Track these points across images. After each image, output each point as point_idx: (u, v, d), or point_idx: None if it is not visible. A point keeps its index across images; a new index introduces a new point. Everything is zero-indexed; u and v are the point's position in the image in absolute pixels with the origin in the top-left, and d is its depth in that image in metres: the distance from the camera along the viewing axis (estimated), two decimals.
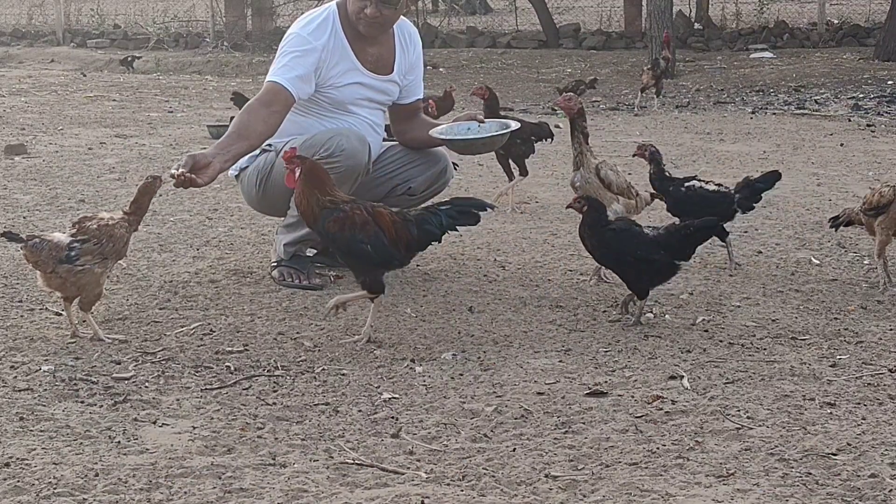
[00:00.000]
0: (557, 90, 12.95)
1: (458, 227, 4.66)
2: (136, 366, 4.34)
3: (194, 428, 3.75)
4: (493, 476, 3.39)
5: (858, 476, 3.36)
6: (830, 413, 3.86)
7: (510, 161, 7.34)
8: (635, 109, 12.80)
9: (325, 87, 5.42)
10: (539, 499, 3.26)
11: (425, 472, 3.42)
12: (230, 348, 4.56)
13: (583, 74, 16.19)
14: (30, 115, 12.32)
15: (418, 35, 5.80)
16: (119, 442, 3.62)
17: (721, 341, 4.64)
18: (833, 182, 8.15)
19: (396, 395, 4.05)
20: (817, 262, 5.92)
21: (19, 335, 4.66)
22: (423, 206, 4.84)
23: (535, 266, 5.83)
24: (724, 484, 3.33)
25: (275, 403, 3.98)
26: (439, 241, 4.68)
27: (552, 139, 7.56)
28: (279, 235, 5.55)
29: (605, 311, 5.05)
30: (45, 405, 3.92)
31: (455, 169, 6.01)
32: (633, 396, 4.02)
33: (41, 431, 3.70)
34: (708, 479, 3.37)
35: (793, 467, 3.43)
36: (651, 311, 5.02)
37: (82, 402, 3.96)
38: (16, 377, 4.19)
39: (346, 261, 4.77)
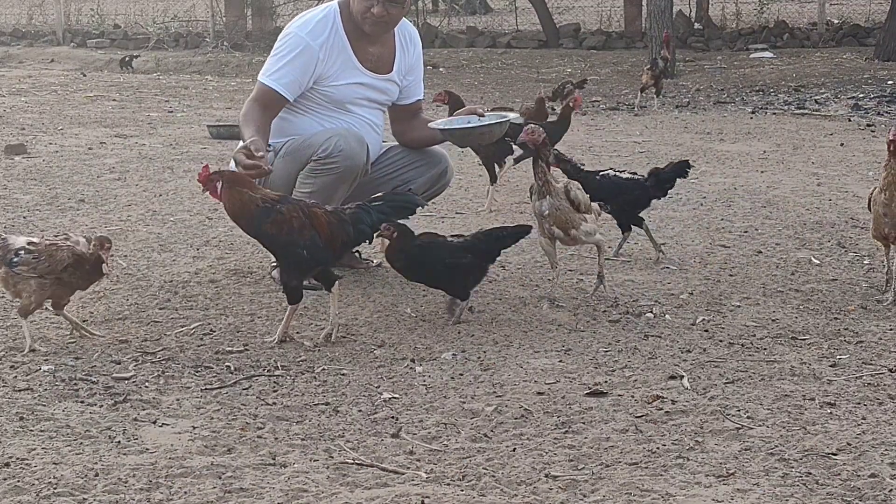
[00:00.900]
0: (549, 95, 12.94)
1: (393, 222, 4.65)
2: (136, 366, 4.34)
3: (194, 428, 3.75)
4: (493, 476, 3.39)
5: (858, 476, 3.36)
6: (830, 413, 3.86)
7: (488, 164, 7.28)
8: (635, 109, 12.80)
9: (324, 84, 5.41)
10: (539, 499, 3.26)
11: (425, 472, 3.42)
12: (230, 348, 4.56)
13: (583, 74, 16.19)
14: (30, 115, 12.32)
15: (418, 35, 5.80)
16: (119, 442, 3.62)
17: (721, 341, 4.64)
18: (833, 182, 8.15)
19: (396, 395, 4.05)
20: (817, 262, 5.92)
21: (19, 335, 4.66)
22: (356, 203, 4.72)
23: (535, 266, 5.83)
24: (724, 484, 3.33)
25: (275, 403, 3.98)
26: (370, 241, 4.70)
27: None
28: None
29: (605, 311, 5.05)
30: (45, 405, 3.92)
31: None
32: (633, 396, 4.02)
33: (41, 431, 3.70)
34: (708, 479, 3.37)
35: (793, 467, 3.43)
36: (651, 311, 5.02)
37: (82, 402, 3.96)
38: (16, 377, 4.19)
39: (278, 259, 4.73)
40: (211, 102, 14.01)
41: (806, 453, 3.53)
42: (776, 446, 3.58)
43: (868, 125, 11.27)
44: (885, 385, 4.13)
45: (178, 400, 4.00)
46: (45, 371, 4.25)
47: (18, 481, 3.31)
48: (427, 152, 5.71)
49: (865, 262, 5.90)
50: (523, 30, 20.74)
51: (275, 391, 4.10)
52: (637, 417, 3.82)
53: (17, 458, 3.47)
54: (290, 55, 5.34)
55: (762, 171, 8.65)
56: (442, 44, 20.17)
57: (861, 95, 13.48)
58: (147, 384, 4.15)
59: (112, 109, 13.02)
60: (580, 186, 5.16)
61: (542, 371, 4.29)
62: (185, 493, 3.27)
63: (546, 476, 3.39)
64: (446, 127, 5.53)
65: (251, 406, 3.95)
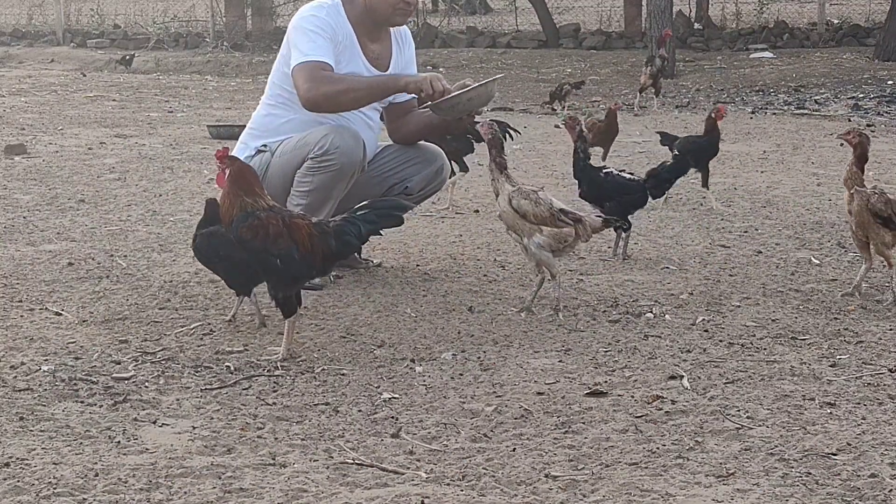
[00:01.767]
0: (546, 102, 12.96)
1: (380, 232, 4.51)
2: (136, 366, 4.34)
3: (194, 428, 3.75)
4: (493, 476, 3.39)
5: (858, 476, 3.36)
6: (830, 413, 3.86)
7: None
8: (635, 109, 12.80)
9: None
10: (539, 499, 3.26)
11: (425, 472, 3.42)
12: (230, 348, 4.56)
13: (583, 74, 16.21)
14: (30, 115, 12.32)
15: (411, 35, 5.82)
16: (119, 442, 3.62)
17: (721, 341, 4.64)
18: (833, 182, 8.15)
19: (396, 395, 4.05)
20: (817, 262, 5.92)
21: (19, 335, 4.66)
22: (341, 215, 4.54)
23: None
24: (724, 484, 3.33)
25: (275, 403, 3.98)
26: (359, 251, 4.58)
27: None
28: None
29: (605, 311, 5.05)
30: (45, 405, 3.92)
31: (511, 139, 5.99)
32: (633, 396, 4.02)
33: (41, 431, 3.70)
34: (708, 479, 3.36)
35: (793, 467, 3.43)
36: (651, 311, 5.02)
37: (82, 402, 3.96)
38: (16, 377, 4.19)
39: (256, 267, 4.51)
40: (211, 102, 14.01)
41: (806, 453, 3.53)
42: (776, 446, 3.58)
43: (868, 125, 11.27)
44: (885, 385, 4.13)
45: (178, 400, 4.00)
46: (45, 371, 4.25)
47: (18, 481, 3.31)
48: (423, 150, 5.71)
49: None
50: (523, 30, 20.75)
51: (275, 391, 4.10)
52: (637, 417, 3.82)
53: (17, 458, 3.47)
54: (320, 34, 5.27)
55: (762, 171, 8.66)
56: (442, 44, 20.17)
57: (861, 95, 13.49)
58: (147, 384, 4.15)
59: (112, 109, 13.02)
60: (534, 195, 4.90)
61: (542, 371, 4.29)
62: (185, 493, 3.27)
63: (546, 476, 3.39)
64: (432, 103, 5.33)
65: (251, 406, 3.95)
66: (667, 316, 4.96)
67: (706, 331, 4.78)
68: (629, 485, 3.32)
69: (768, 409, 3.89)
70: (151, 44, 20.99)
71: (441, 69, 17.42)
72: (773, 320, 4.92)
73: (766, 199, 7.56)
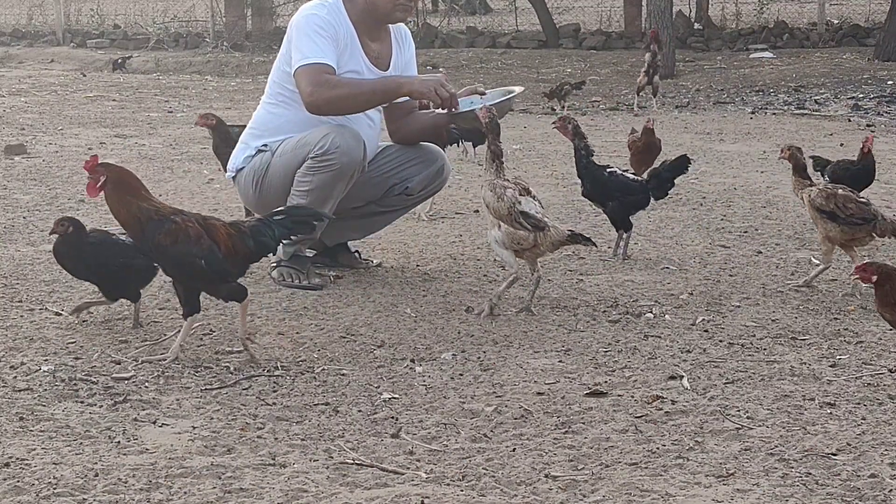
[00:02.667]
0: (544, 94, 12.94)
1: (293, 237, 4.54)
2: (135, 366, 4.34)
3: (194, 428, 3.75)
4: (493, 476, 3.39)
5: (858, 476, 3.36)
6: (830, 413, 3.86)
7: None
8: (635, 110, 12.79)
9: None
10: (539, 499, 3.25)
11: (425, 472, 3.42)
12: (230, 348, 4.55)
13: (583, 74, 16.20)
14: (30, 115, 12.32)
15: (410, 34, 5.81)
16: (119, 442, 3.62)
17: (721, 341, 4.64)
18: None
19: (396, 395, 4.05)
20: (817, 262, 5.91)
21: (19, 335, 4.66)
22: (256, 217, 4.57)
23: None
24: (724, 484, 3.33)
25: (275, 403, 3.98)
26: (274, 252, 4.50)
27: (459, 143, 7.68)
28: None
29: (605, 311, 5.05)
30: (45, 405, 3.92)
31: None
32: (633, 396, 4.02)
33: (41, 431, 3.70)
34: (708, 479, 3.36)
35: (793, 467, 3.43)
36: (651, 311, 5.02)
37: (82, 402, 3.96)
38: (16, 377, 4.19)
39: (175, 276, 4.41)
40: (211, 102, 14.00)
41: (806, 453, 3.53)
42: (776, 446, 3.58)
43: (868, 125, 11.27)
44: (885, 385, 4.13)
45: (178, 400, 4.00)
46: (45, 371, 4.25)
47: (18, 481, 3.31)
48: (424, 150, 5.71)
49: (866, 262, 5.89)
50: (523, 30, 20.74)
51: (275, 391, 4.10)
52: (637, 417, 3.82)
53: (17, 458, 3.47)
54: (322, 34, 5.27)
55: (762, 171, 8.65)
56: (442, 44, 20.16)
57: (861, 95, 13.49)
58: (147, 384, 4.15)
59: (112, 109, 13.02)
60: (501, 191, 4.85)
61: (542, 371, 4.29)
62: (185, 493, 3.27)
63: (546, 476, 3.39)
64: (454, 111, 5.35)
65: (251, 406, 3.95)
66: (667, 316, 4.96)
67: (706, 331, 4.78)
68: (629, 485, 3.32)
69: (768, 409, 3.89)
70: (151, 44, 20.98)
71: (441, 69, 17.41)
72: (773, 320, 4.92)
73: (767, 200, 7.56)
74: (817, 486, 3.30)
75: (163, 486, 3.30)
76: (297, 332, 4.76)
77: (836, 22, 19.56)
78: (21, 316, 4.95)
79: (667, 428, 3.74)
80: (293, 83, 5.35)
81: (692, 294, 5.32)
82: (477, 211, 7.20)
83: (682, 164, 6.10)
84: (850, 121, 11.70)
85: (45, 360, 4.38)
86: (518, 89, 5.58)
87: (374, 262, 5.87)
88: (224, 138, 6.25)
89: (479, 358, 4.45)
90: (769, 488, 3.29)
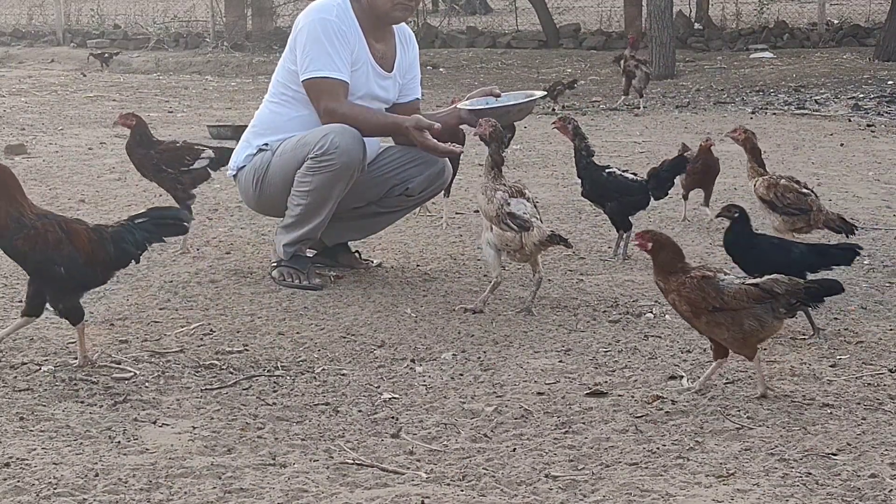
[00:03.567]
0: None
1: (164, 240, 4.38)
2: (136, 366, 4.34)
3: (194, 428, 3.75)
4: (493, 476, 3.39)
5: (858, 476, 3.36)
6: (830, 413, 3.86)
7: None
8: (635, 111, 12.79)
9: None
10: (539, 499, 3.25)
11: (425, 472, 3.42)
12: (230, 348, 4.56)
13: (583, 74, 16.21)
14: (30, 115, 12.32)
15: (414, 36, 5.81)
16: (119, 442, 3.62)
17: None
18: (833, 182, 8.15)
19: (396, 395, 4.05)
20: None
21: (19, 335, 4.66)
22: (119, 220, 4.40)
23: None
24: (724, 484, 3.33)
25: (275, 403, 3.98)
26: (137, 261, 4.32)
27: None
28: (278, 236, 5.54)
29: (605, 311, 5.05)
30: (45, 405, 3.92)
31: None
32: (633, 396, 4.02)
33: (41, 431, 3.70)
34: (708, 479, 3.36)
35: (793, 467, 3.43)
36: (651, 311, 5.02)
37: (82, 402, 3.96)
38: (16, 377, 4.19)
39: (37, 283, 4.26)
40: (211, 102, 14.01)
41: (806, 453, 3.53)
42: (776, 446, 3.58)
43: (868, 125, 11.28)
44: (885, 385, 4.12)
45: (178, 400, 4.00)
46: (45, 371, 4.25)
47: (18, 481, 3.31)
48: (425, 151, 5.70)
49: (865, 262, 5.89)
50: (523, 30, 20.75)
51: (275, 391, 4.10)
52: (637, 417, 3.82)
53: (17, 458, 3.47)
54: (335, 42, 5.29)
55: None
56: (442, 44, 20.17)
57: (861, 95, 13.48)
58: (147, 384, 4.15)
59: (112, 109, 13.02)
60: (489, 193, 4.88)
61: (542, 371, 4.29)
62: (185, 493, 3.27)
63: (546, 476, 3.39)
64: (477, 107, 5.36)
65: (251, 406, 3.95)
66: (667, 316, 4.96)
67: None
68: (629, 485, 3.32)
69: (768, 409, 3.89)
70: (151, 44, 20.98)
71: (441, 69, 17.42)
72: None
73: None
74: (817, 486, 3.30)
75: (163, 486, 3.30)
76: (297, 332, 4.76)
77: (836, 22, 19.57)
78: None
79: (667, 428, 3.74)
80: (297, 83, 5.36)
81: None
82: (477, 211, 7.20)
83: (680, 163, 6.10)
84: (850, 121, 11.70)
85: (45, 360, 4.38)
86: (538, 94, 5.59)
87: (374, 262, 5.87)
88: (140, 140, 6.06)
89: (479, 358, 4.45)
90: (769, 488, 3.29)
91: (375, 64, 5.46)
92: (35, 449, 3.55)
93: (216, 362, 4.39)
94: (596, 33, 19.85)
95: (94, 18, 22.76)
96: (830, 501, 3.22)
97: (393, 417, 3.85)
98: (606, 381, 4.17)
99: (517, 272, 5.72)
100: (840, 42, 18.63)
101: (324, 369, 4.32)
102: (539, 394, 4.05)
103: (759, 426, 3.74)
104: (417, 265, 5.87)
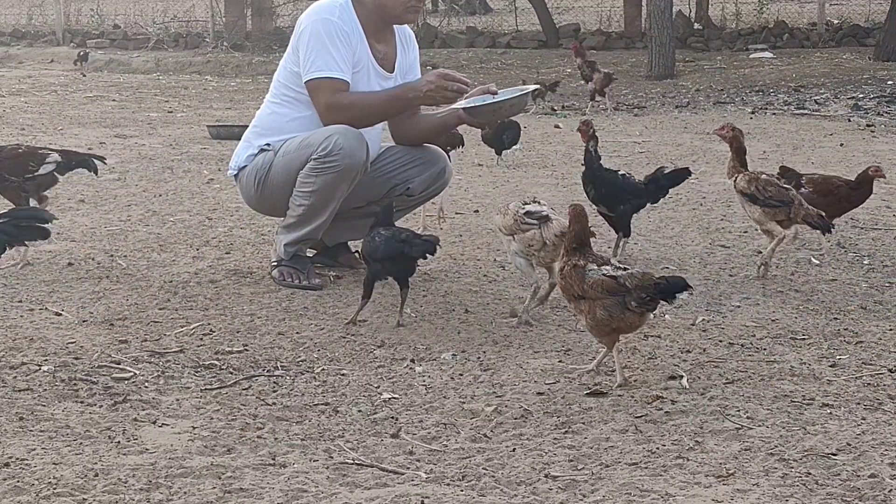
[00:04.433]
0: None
1: (26, 243, 4.18)
2: (136, 366, 4.34)
3: (194, 428, 3.75)
4: (493, 476, 3.39)
5: (858, 476, 3.36)
6: (830, 413, 3.86)
7: None
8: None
9: None
10: (539, 499, 3.25)
11: (425, 472, 3.42)
12: (230, 348, 4.56)
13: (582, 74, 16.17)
14: (30, 115, 12.31)
15: (414, 36, 5.81)
16: (119, 442, 3.62)
17: (721, 341, 4.64)
18: None
19: (396, 395, 4.05)
20: (817, 262, 5.92)
21: (19, 335, 4.66)
22: None
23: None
24: (724, 484, 3.33)
25: (275, 403, 3.98)
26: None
27: None
28: (279, 235, 5.55)
29: None
30: (45, 405, 3.92)
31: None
32: (632, 396, 4.02)
33: (41, 431, 3.70)
34: (708, 479, 3.36)
35: (793, 467, 3.43)
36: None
37: (82, 402, 3.96)
38: (16, 377, 4.19)
39: None
40: (211, 102, 14.01)
41: (806, 453, 3.53)
42: (776, 446, 3.58)
43: (868, 125, 11.27)
44: (885, 385, 4.13)
45: (178, 400, 4.00)
46: (45, 371, 4.25)
47: (18, 481, 3.31)
48: (426, 152, 5.70)
49: (865, 262, 5.90)
50: (523, 30, 20.74)
51: (275, 391, 4.10)
52: (637, 417, 3.82)
53: (17, 458, 3.47)
54: (337, 42, 5.30)
55: (762, 171, 8.63)
56: (442, 44, 20.15)
57: (861, 95, 13.48)
58: (147, 384, 4.15)
59: (112, 109, 13.02)
60: (502, 208, 4.89)
61: (542, 371, 4.29)
62: (185, 493, 3.27)
63: (546, 476, 3.39)
64: (472, 105, 5.35)
65: (251, 406, 3.95)
66: (667, 316, 4.96)
67: (706, 331, 4.78)
68: (629, 485, 3.32)
69: (768, 409, 3.89)
70: (151, 44, 20.97)
71: (441, 69, 17.40)
72: (773, 320, 4.92)
73: None
74: (817, 486, 3.30)
75: (163, 486, 3.30)
76: (297, 332, 4.76)
77: (836, 22, 19.55)
78: (21, 316, 4.95)
79: (667, 428, 3.74)
80: (299, 84, 5.36)
81: (692, 294, 5.32)
82: (477, 211, 7.21)
83: (681, 176, 6.00)
84: (850, 121, 11.70)
85: (45, 360, 4.38)
86: (531, 87, 5.58)
87: None
88: None
89: (479, 358, 4.45)
90: (769, 488, 3.29)
91: (377, 65, 5.46)
92: (35, 449, 3.55)
93: (216, 362, 4.40)
94: (596, 33, 19.84)
95: (94, 18, 22.74)
96: (830, 501, 3.22)
97: (393, 417, 3.85)
98: (606, 381, 4.17)
99: (517, 272, 5.71)
100: (840, 42, 18.63)
101: (324, 369, 4.32)
102: (539, 394, 4.05)
103: (759, 426, 3.74)
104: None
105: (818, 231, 5.57)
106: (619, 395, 4.03)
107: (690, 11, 20.70)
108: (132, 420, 3.81)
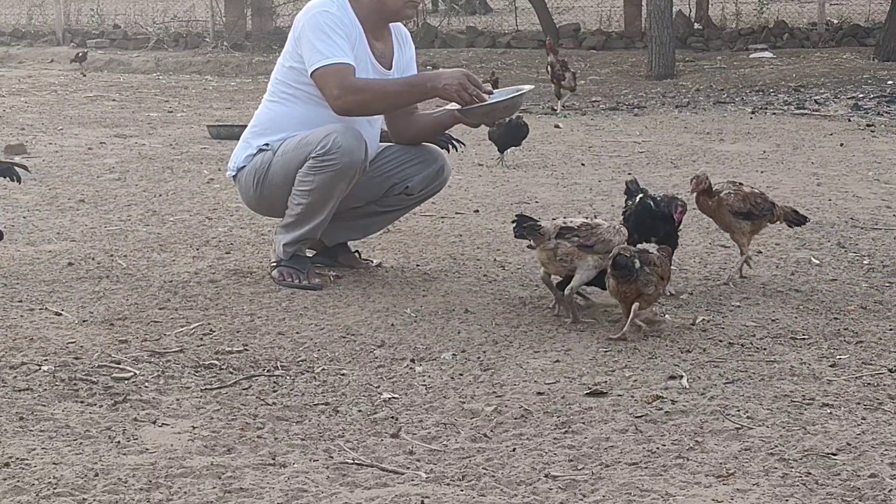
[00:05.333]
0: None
1: None
2: (136, 366, 4.34)
3: (194, 428, 3.75)
4: (493, 476, 3.39)
5: (858, 476, 3.36)
6: (830, 413, 3.86)
7: None
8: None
9: None
10: (539, 499, 3.26)
11: (425, 472, 3.42)
12: (230, 348, 4.56)
13: (582, 74, 16.18)
14: (30, 115, 12.32)
15: (410, 35, 5.81)
16: (119, 442, 3.62)
17: (721, 341, 4.64)
18: (833, 182, 8.15)
19: (396, 395, 4.05)
20: (817, 262, 5.92)
21: (19, 335, 4.66)
22: None
23: (535, 266, 5.81)
24: (724, 484, 3.33)
25: (275, 403, 3.98)
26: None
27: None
28: (278, 235, 5.55)
29: (605, 311, 5.05)
30: (45, 405, 3.92)
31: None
32: (633, 396, 4.02)
33: (41, 431, 3.70)
34: (708, 479, 3.37)
35: (793, 467, 3.43)
36: (650, 311, 5.02)
37: (82, 402, 3.96)
38: (16, 377, 4.19)
39: None
40: (211, 102, 14.01)
41: (806, 453, 3.53)
42: (776, 446, 3.58)
43: (868, 125, 11.28)
44: (885, 385, 4.13)
45: (178, 400, 4.00)
46: (45, 371, 4.25)
47: (18, 481, 3.31)
48: (424, 150, 5.70)
49: (865, 262, 5.90)
50: (523, 30, 20.73)
51: (275, 391, 4.10)
52: (637, 417, 3.82)
53: (17, 458, 3.47)
54: (338, 31, 5.28)
55: (762, 171, 8.65)
56: (442, 44, 20.15)
57: (861, 95, 13.48)
58: (147, 384, 4.15)
59: (112, 109, 13.02)
60: (547, 245, 4.78)
61: (542, 371, 4.29)
62: (185, 493, 3.27)
63: (546, 476, 3.39)
64: (467, 108, 5.32)
65: (251, 406, 3.95)
66: (667, 316, 4.96)
67: (706, 331, 4.78)
68: (629, 485, 3.32)
69: (768, 409, 3.89)
70: (151, 44, 20.97)
71: (441, 69, 17.40)
72: (773, 320, 4.92)
73: None
74: (817, 486, 3.30)
75: (163, 486, 3.30)
76: (297, 332, 4.76)
77: (836, 22, 19.54)
78: (21, 316, 4.95)
79: (667, 428, 3.74)
80: (298, 80, 5.35)
81: (692, 294, 5.32)
82: (477, 211, 7.21)
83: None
84: (850, 121, 11.71)
85: (45, 360, 4.38)
86: (527, 88, 5.57)
87: (374, 262, 5.87)
88: None
89: (479, 358, 4.45)
90: (769, 488, 3.29)
91: (375, 62, 5.46)
92: (35, 449, 3.55)
93: (216, 362, 4.40)
94: (596, 33, 19.83)
95: (94, 18, 22.73)
96: (830, 501, 3.22)
97: (393, 417, 3.85)
98: (606, 381, 4.17)
99: (517, 272, 5.72)
100: (840, 42, 18.62)
101: (324, 369, 4.32)
102: (539, 394, 4.05)
103: (759, 426, 3.74)
104: (417, 265, 5.87)
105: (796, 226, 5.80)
106: (619, 395, 4.03)
107: (690, 11, 20.69)
108: (132, 420, 3.81)
